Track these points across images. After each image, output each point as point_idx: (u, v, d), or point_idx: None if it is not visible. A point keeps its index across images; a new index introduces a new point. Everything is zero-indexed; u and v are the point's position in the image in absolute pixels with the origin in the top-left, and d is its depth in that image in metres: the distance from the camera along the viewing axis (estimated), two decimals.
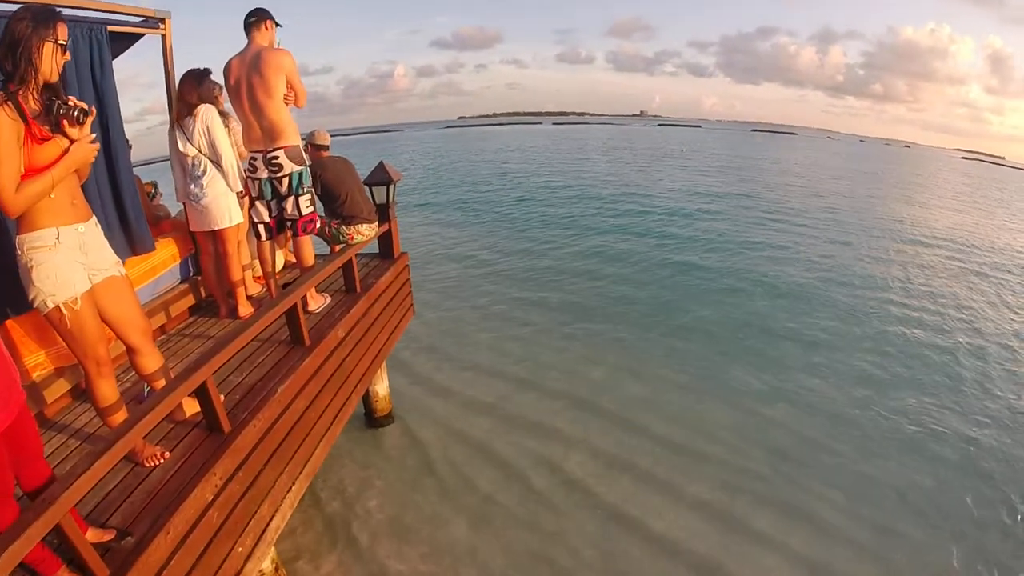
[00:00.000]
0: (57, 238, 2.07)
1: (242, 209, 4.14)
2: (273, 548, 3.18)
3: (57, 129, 1.99)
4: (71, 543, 1.74)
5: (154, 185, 5.19)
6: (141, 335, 2.47)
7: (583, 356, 7.30)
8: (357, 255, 4.50)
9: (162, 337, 3.99)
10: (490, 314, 8.83)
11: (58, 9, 2.02)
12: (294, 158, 3.77)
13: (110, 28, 3.48)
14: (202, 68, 3.86)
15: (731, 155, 46.27)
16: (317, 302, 4.23)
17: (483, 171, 29.93)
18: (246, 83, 3.58)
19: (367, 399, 5.62)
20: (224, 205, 3.91)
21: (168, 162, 4.06)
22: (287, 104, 3.69)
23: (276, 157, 3.73)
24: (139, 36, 3.89)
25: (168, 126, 3.98)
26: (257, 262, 4.58)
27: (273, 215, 4.02)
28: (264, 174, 3.81)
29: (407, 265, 5.45)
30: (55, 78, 2.01)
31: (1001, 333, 8.64)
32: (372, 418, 5.70)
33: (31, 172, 1.94)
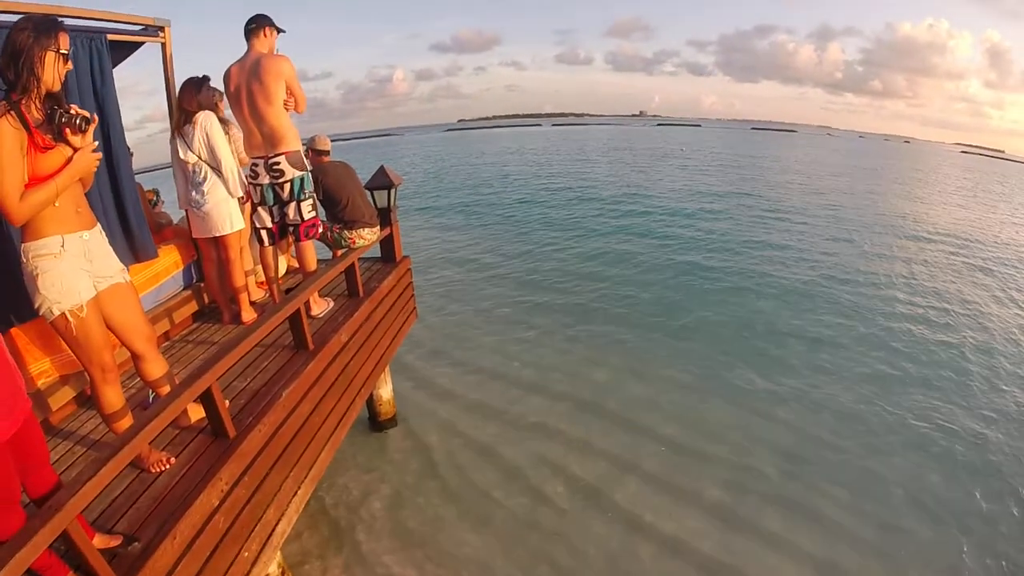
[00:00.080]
0: (62, 246, 2.08)
1: (244, 215, 4.15)
2: (279, 552, 3.19)
3: (60, 138, 2.00)
4: (78, 549, 1.75)
5: (156, 192, 5.21)
6: (146, 341, 2.48)
7: (587, 358, 7.30)
8: (359, 259, 4.51)
9: (166, 344, 4.00)
10: (493, 317, 8.84)
11: (59, 19, 2.03)
12: (295, 163, 3.78)
13: (110, 37, 3.50)
14: (201, 76, 3.87)
15: (731, 154, 46.24)
16: (320, 307, 4.23)
17: (484, 174, 29.96)
18: (246, 90, 3.59)
19: (371, 403, 5.63)
20: (225, 211, 3.92)
21: (169, 169, 4.07)
22: (287, 110, 3.70)
23: (277, 163, 3.74)
24: (139, 45, 3.91)
25: (169, 134, 3.99)
26: (260, 268, 4.58)
27: (275, 220, 4.03)
28: (266, 180, 3.82)
29: (409, 269, 5.45)
30: (57, 87, 2.02)
31: (1007, 329, 8.62)
32: (376, 422, 5.71)
33: (35, 181, 1.95)
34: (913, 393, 6.46)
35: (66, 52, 2.00)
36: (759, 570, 4.02)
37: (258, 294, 4.66)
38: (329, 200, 4.55)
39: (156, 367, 2.54)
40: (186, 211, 4.12)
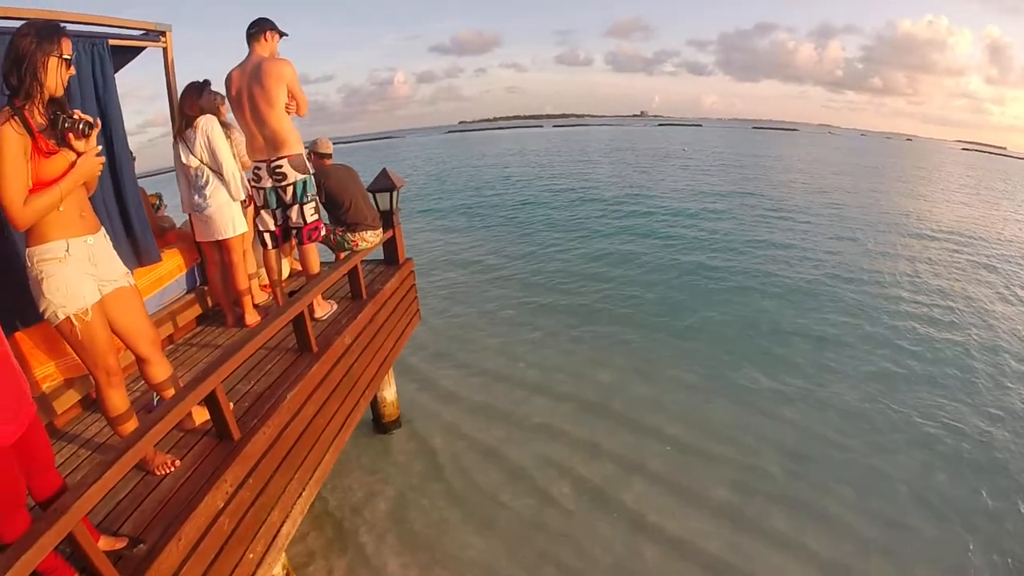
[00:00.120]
0: (67, 250, 2.09)
1: (247, 218, 4.16)
2: (284, 554, 3.19)
3: (63, 143, 2.01)
4: (84, 551, 1.75)
5: (158, 197, 5.22)
6: (150, 345, 2.49)
7: (591, 359, 7.29)
8: (362, 262, 4.52)
9: (170, 347, 4.01)
10: (497, 318, 8.84)
11: (62, 24, 2.04)
12: (298, 167, 3.79)
13: (112, 42, 3.52)
14: (201, 80, 3.88)
15: (733, 153, 46.21)
16: (324, 309, 4.24)
17: (486, 175, 29.99)
18: (247, 94, 3.61)
19: (375, 405, 5.64)
20: (228, 215, 3.93)
21: (172, 173, 4.09)
22: (289, 113, 3.71)
23: (280, 166, 3.75)
24: (141, 49, 3.93)
25: (170, 138, 4.01)
26: (263, 271, 4.60)
27: (278, 224, 4.04)
28: (268, 183, 3.84)
29: (412, 271, 5.46)
30: (60, 92, 2.03)
31: (1012, 327, 8.59)
32: (380, 424, 5.72)
33: (39, 186, 1.96)
34: (918, 391, 6.44)
35: (69, 58, 2.01)
36: (765, 570, 4.00)
37: (261, 297, 4.67)
38: (332, 203, 4.56)
39: (160, 370, 2.55)
40: (189, 215, 4.13)
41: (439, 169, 36.38)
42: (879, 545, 4.21)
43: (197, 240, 4.14)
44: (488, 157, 45.08)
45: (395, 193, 4.99)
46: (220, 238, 3.96)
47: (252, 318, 4.20)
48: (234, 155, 3.97)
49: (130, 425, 2.43)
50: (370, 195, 4.88)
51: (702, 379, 6.70)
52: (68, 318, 2.12)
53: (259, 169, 3.83)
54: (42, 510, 1.83)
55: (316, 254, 4.20)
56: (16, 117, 1.88)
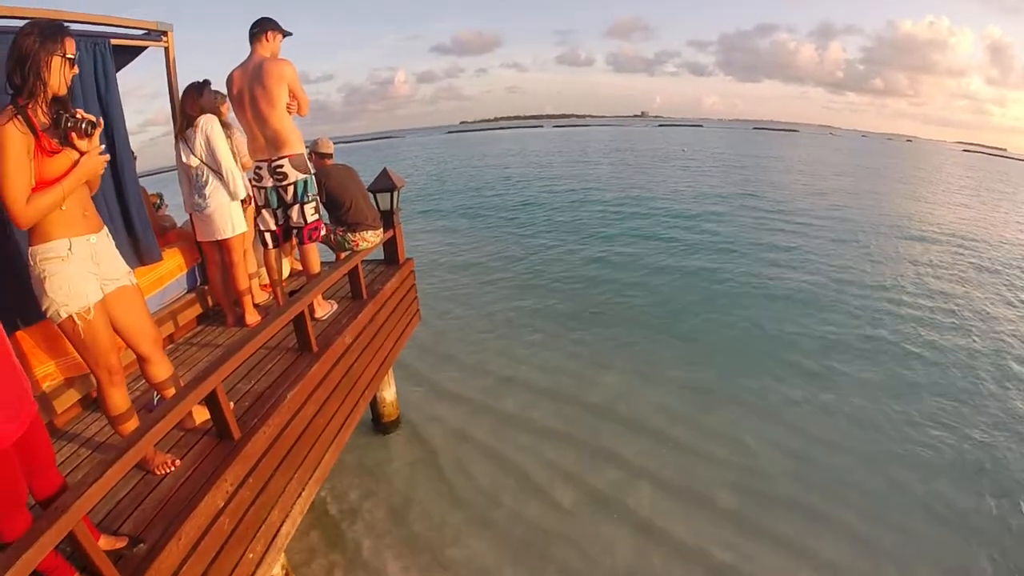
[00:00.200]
0: (69, 249, 2.09)
1: (247, 218, 4.17)
2: (283, 554, 3.19)
3: (66, 142, 2.02)
4: (84, 551, 1.76)
5: (159, 196, 5.23)
6: (152, 344, 2.49)
7: (593, 361, 7.27)
8: (363, 261, 4.52)
9: (170, 346, 4.01)
10: (497, 320, 8.83)
11: (65, 24, 2.04)
12: (298, 166, 3.80)
13: (113, 41, 3.52)
14: (201, 80, 3.89)
15: (734, 154, 46.20)
16: (324, 309, 4.24)
17: (486, 176, 29.97)
18: (248, 94, 3.61)
19: (374, 405, 5.64)
20: (227, 214, 3.93)
21: (173, 173, 4.09)
22: (290, 113, 3.72)
23: (281, 166, 3.76)
24: (142, 49, 3.93)
25: (171, 137, 4.02)
26: (263, 270, 4.60)
27: (279, 223, 4.05)
28: (269, 183, 3.84)
29: (412, 271, 5.46)
30: (63, 92, 2.03)
31: (1015, 329, 8.57)
32: (380, 424, 5.72)
33: (42, 184, 1.96)
34: (922, 395, 6.42)
35: (72, 57, 2.02)
36: (770, 574, 3.99)
37: (262, 297, 4.67)
38: (332, 203, 4.57)
39: (161, 369, 2.55)
40: (190, 214, 4.14)
41: (440, 169, 36.38)
42: (884, 549, 4.19)
43: (198, 239, 4.15)
44: (489, 157, 45.08)
45: (395, 193, 5.00)
46: (220, 238, 3.97)
47: (252, 318, 4.21)
48: (234, 154, 3.97)
49: (131, 424, 2.43)
50: (371, 195, 4.88)
51: (705, 382, 6.67)
52: (70, 317, 2.13)
53: (260, 169, 3.83)
54: (43, 509, 1.84)
55: (316, 254, 4.20)
56: (19, 116, 1.89)
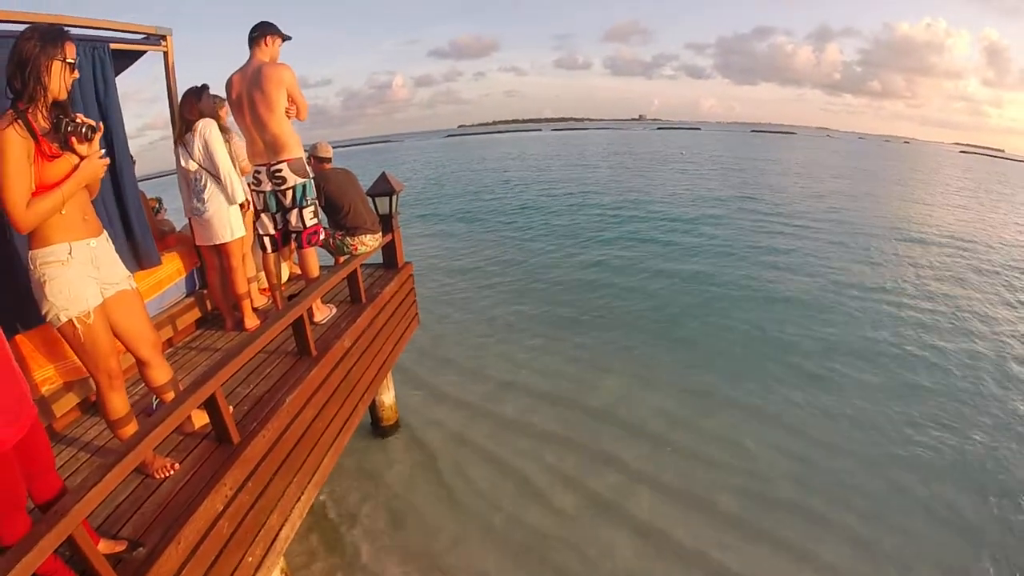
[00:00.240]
0: (70, 253, 2.10)
1: (246, 222, 4.18)
2: (282, 558, 3.19)
3: (66, 146, 2.02)
4: (83, 554, 1.76)
5: (158, 200, 5.23)
6: (151, 348, 2.49)
7: (592, 365, 7.25)
8: (362, 265, 4.53)
9: (169, 350, 4.01)
10: (496, 324, 8.81)
11: (65, 28, 2.05)
12: (297, 171, 3.81)
13: (113, 46, 3.53)
14: (200, 85, 3.90)
15: (731, 157, 46.27)
16: (323, 313, 4.25)
17: (485, 180, 29.99)
18: (247, 98, 3.62)
19: (373, 408, 5.64)
20: (225, 219, 3.94)
21: (171, 177, 4.10)
22: (289, 117, 3.73)
23: (279, 170, 3.76)
24: (141, 53, 3.94)
25: (170, 140, 4.03)
26: (262, 274, 4.61)
27: (278, 227, 4.05)
28: (268, 187, 3.85)
29: (411, 275, 5.47)
30: (64, 96, 2.04)
31: (1018, 331, 8.56)
32: (379, 427, 5.72)
33: (42, 189, 1.97)
34: (924, 397, 6.40)
35: (72, 61, 2.02)
36: None
37: (261, 300, 4.68)
38: (331, 207, 4.58)
39: (161, 373, 2.56)
40: (189, 219, 4.15)
41: (438, 173, 36.41)
42: (885, 551, 4.18)
43: (197, 244, 4.15)
44: (487, 161, 45.12)
45: (394, 197, 5.01)
46: (218, 242, 3.97)
47: (251, 322, 4.21)
48: (233, 159, 3.98)
49: (130, 428, 2.43)
50: (369, 199, 4.89)
51: (705, 385, 6.65)
52: (70, 321, 2.13)
53: (259, 173, 3.84)
54: (42, 513, 1.84)
55: (315, 258, 4.21)
56: (20, 120, 1.89)
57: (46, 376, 2.91)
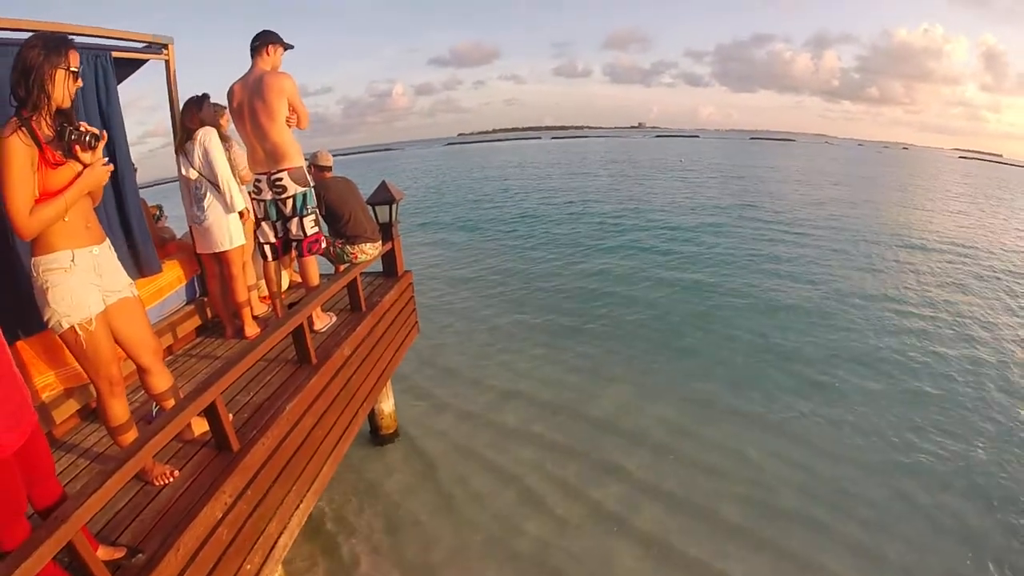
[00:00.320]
0: (72, 260, 2.11)
1: (247, 230, 4.19)
2: (281, 566, 3.18)
3: (69, 154, 2.04)
4: (83, 561, 1.76)
5: (159, 208, 5.25)
6: (152, 355, 2.50)
7: (594, 374, 7.23)
8: (362, 274, 4.54)
9: (169, 358, 4.01)
10: (497, 333, 8.79)
11: (69, 37, 2.07)
12: (298, 179, 3.82)
13: (115, 54, 3.56)
14: (201, 94, 3.92)
15: (730, 164, 46.33)
16: (323, 321, 4.25)
17: (485, 188, 30.02)
18: (248, 107, 3.64)
19: (372, 417, 5.63)
20: (224, 227, 3.96)
21: (172, 184, 4.12)
22: (290, 126, 3.74)
23: (280, 179, 3.78)
24: (143, 62, 3.96)
25: (171, 148, 4.05)
26: (263, 282, 4.61)
27: (278, 236, 4.06)
28: (269, 195, 3.86)
29: (411, 283, 5.47)
30: (67, 104, 2.05)
31: (1020, 337, 8.55)
32: (378, 436, 5.71)
33: (45, 196, 1.98)
34: (928, 404, 6.39)
35: (76, 70, 2.04)
36: None
37: (261, 309, 4.68)
38: (331, 215, 4.59)
39: (162, 381, 2.56)
40: (190, 226, 4.16)
41: (438, 182, 36.46)
42: (889, 560, 4.16)
43: (197, 251, 4.17)
44: (487, 169, 45.20)
45: (394, 206, 5.02)
46: (218, 250, 3.99)
47: (251, 330, 4.22)
48: (233, 167, 4.00)
49: (130, 435, 2.44)
50: (369, 207, 4.90)
51: (707, 394, 6.63)
52: (72, 327, 2.14)
53: (259, 181, 3.86)
54: (42, 519, 1.83)
55: (316, 266, 4.21)
56: (24, 128, 1.91)
57: (47, 382, 2.91)
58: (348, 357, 3.92)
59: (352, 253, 4.61)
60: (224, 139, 4.04)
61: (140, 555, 2.07)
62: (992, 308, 9.99)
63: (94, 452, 2.87)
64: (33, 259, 2.08)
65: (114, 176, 3.47)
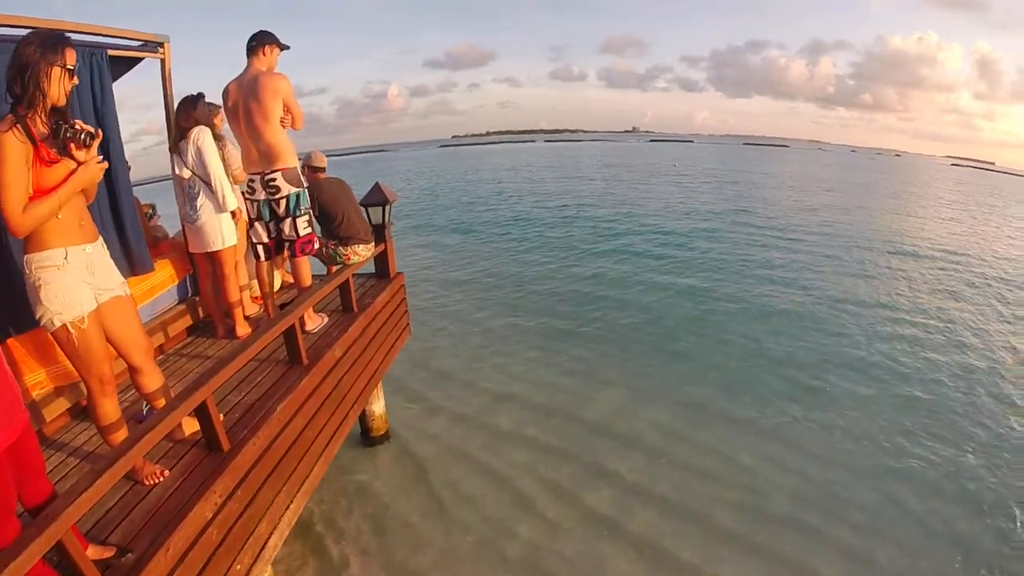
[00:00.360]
0: (65, 258, 2.10)
1: (239, 230, 4.18)
2: (270, 566, 3.17)
3: (64, 152, 2.03)
4: (72, 560, 1.75)
5: (152, 206, 5.23)
6: (144, 354, 2.49)
7: (588, 378, 7.22)
8: (354, 275, 4.54)
9: (160, 357, 4.00)
10: (491, 335, 8.78)
11: (66, 34, 2.07)
12: (291, 180, 3.82)
13: (110, 52, 3.55)
14: (195, 93, 3.92)
15: (725, 170, 46.54)
16: (315, 322, 4.25)
17: (479, 191, 30.01)
18: (243, 107, 3.64)
19: (363, 418, 5.61)
20: (216, 226, 3.95)
21: (165, 182, 4.11)
22: (284, 127, 3.75)
23: (274, 179, 3.78)
24: (139, 60, 3.96)
25: (165, 146, 4.04)
26: (255, 282, 4.61)
27: (271, 236, 4.06)
28: (262, 196, 3.86)
29: (403, 285, 5.48)
30: (63, 102, 2.05)
31: (1010, 344, 8.60)
32: (368, 437, 5.69)
33: (39, 193, 1.98)
34: (920, 410, 6.41)
35: (72, 67, 2.04)
36: None
37: (253, 309, 4.67)
38: (325, 216, 4.58)
39: (153, 380, 2.56)
40: (183, 225, 4.15)
41: (432, 183, 36.43)
42: (881, 565, 4.17)
43: (189, 251, 4.16)
44: (481, 172, 45.21)
45: (388, 207, 5.03)
46: (210, 250, 3.98)
47: (243, 329, 4.21)
48: (226, 167, 4.00)
49: (121, 434, 2.43)
50: (363, 209, 4.91)
51: (700, 398, 6.63)
52: (64, 325, 2.13)
53: (253, 182, 3.85)
54: (31, 517, 1.82)
55: (308, 267, 4.21)
56: (19, 125, 1.91)
57: (37, 380, 2.90)
58: (339, 358, 3.92)
59: (345, 254, 4.61)
60: (218, 138, 4.04)
61: (129, 554, 2.06)
62: (983, 315, 10.05)
63: (84, 451, 2.85)
64: (26, 256, 2.08)
65: (108, 174, 3.47)
